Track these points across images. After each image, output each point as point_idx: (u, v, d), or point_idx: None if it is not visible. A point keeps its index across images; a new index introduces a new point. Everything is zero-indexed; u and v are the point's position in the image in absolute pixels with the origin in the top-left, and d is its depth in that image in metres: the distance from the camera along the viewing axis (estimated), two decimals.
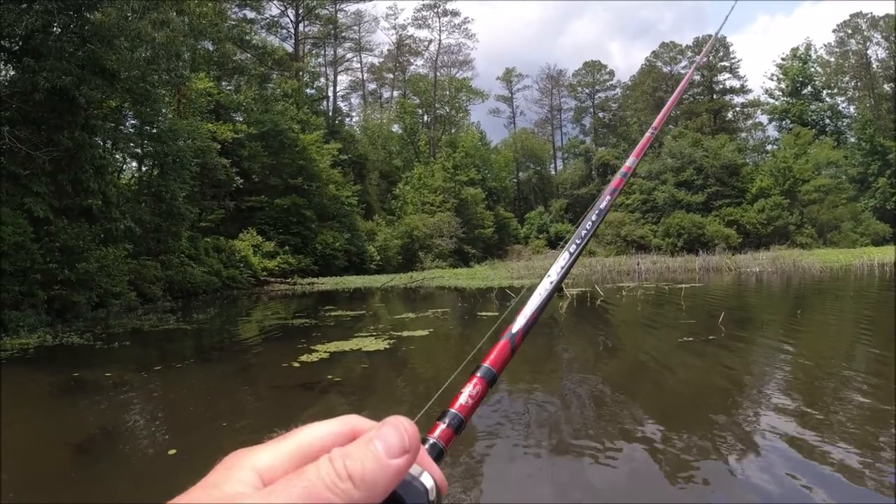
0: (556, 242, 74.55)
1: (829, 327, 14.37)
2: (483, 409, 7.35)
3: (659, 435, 6.11)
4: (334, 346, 11.80)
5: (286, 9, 61.98)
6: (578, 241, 0.75)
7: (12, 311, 15.50)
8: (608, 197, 0.84)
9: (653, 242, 64.63)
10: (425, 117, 77.15)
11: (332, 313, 18.97)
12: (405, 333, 13.66)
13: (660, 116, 1.24)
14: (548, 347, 12.43)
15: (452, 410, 0.56)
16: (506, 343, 0.63)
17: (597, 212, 0.80)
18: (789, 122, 76.92)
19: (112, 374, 10.07)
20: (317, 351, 11.28)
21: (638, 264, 41.77)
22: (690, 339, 11.74)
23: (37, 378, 10.54)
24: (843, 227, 61.87)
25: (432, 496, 0.47)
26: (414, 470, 0.47)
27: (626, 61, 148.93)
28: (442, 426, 0.56)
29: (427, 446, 0.54)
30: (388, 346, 11.84)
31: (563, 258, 0.71)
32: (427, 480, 0.48)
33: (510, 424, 6.70)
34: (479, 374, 0.59)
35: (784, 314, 16.99)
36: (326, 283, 36.87)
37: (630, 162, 0.96)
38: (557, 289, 0.68)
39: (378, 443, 0.45)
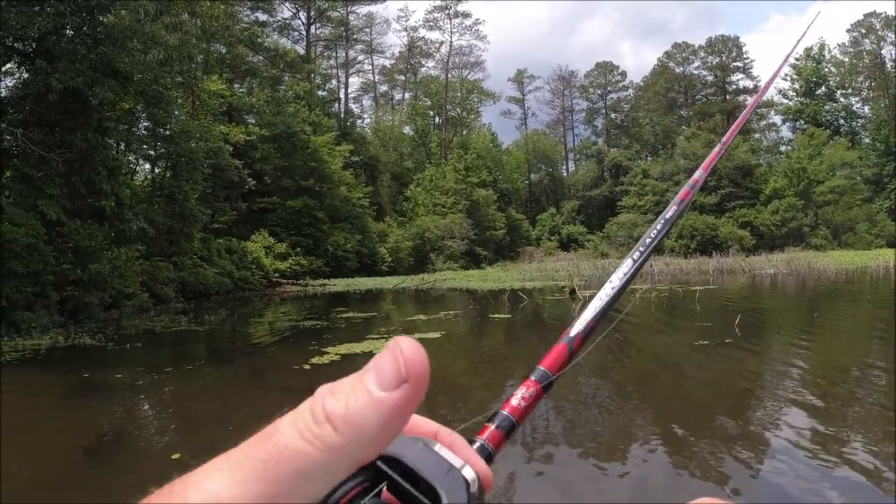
0: (568, 244, 74.43)
1: (847, 330, 14.16)
2: (490, 406, 7.22)
3: (674, 438, 5.99)
4: (346, 349, 11.73)
5: (298, 11, 62.16)
6: (642, 249, 0.73)
7: (25, 312, 15.54)
8: (674, 207, 0.82)
9: (665, 244, 64.22)
10: (437, 119, 77.09)
11: (344, 315, 18.91)
12: (416, 336, 13.54)
13: (731, 129, 1.16)
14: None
15: (504, 412, 0.54)
16: (563, 346, 0.60)
17: (662, 221, 0.78)
18: (803, 122, 76.27)
19: (123, 376, 10.04)
20: (328, 353, 11.21)
21: (651, 266, 41.47)
22: (706, 342, 11.58)
23: (48, 379, 10.53)
24: (858, 228, 61.28)
25: (473, 489, 0.41)
26: (455, 462, 0.41)
27: (637, 61, 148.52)
28: (491, 427, 0.53)
29: (476, 447, 0.51)
30: None
31: (625, 265, 0.70)
32: (468, 473, 0.42)
33: (521, 426, 6.58)
34: (533, 377, 0.56)
35: (800, 317, 16.79)
36: (338, 284, 36.86)
37: (698, 174, 0.92)
38: (620, 295, 0.66)
39: (371, 374, 0.36)
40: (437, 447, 0.42)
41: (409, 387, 0.36)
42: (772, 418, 6.65)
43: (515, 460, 5.62)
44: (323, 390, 0.36)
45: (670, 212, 0.80)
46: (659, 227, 0.76)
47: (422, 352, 0.38)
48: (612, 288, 0.67)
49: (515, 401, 0.54)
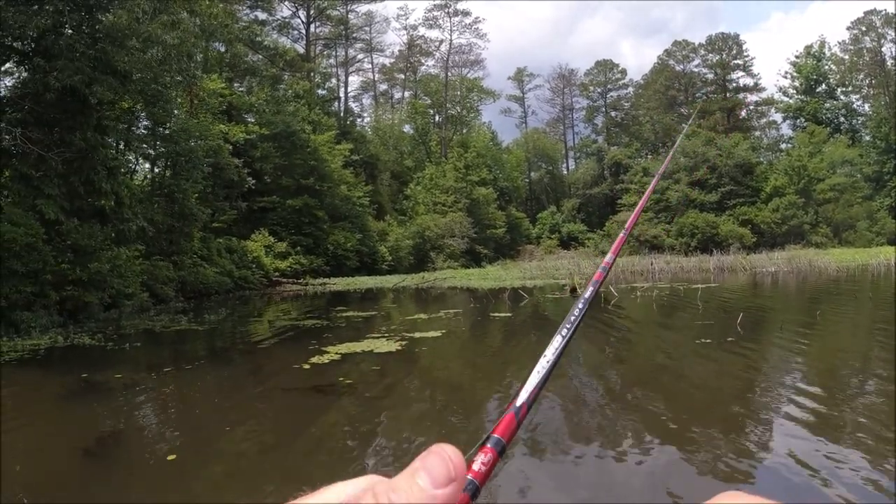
0: (568, 242, 74.43)
1: (849, 329, 14.12)
2: (491, 404, 7.20)
3: (677, 437, 5.95)
4: (346, 348, 11.68)
5: (297, 10, 62.08)
6: (569, 326, 0.80)
7: (24, 312, 15.50)
8: (591, 288, 0.89)
9: (666, 242, 64.20)
10: (437, 117, 77.00)
11: (344, 314, 18.87)
12: (417, 335, 13.53)
13: (633, 215, 1.34)
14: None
15: (468, 476, 0.57)
16: (511, 416, 0.66)
17: (583, 300, 0.85)
18: (803, 120, 76.12)
19: (122, 376, 10.00)
20: (328, 352, 11.17)
21: (651, 264, 41.41)
22: (708, 340, 11.54)
23: (47, 379, 10.50)
24: (859, 226, 61.21)
25: None
26: None
27: (637, 60, 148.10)
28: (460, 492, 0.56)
29: None
30: (400, 348, 11.71)
31: (556, 341, 0.77)
32: None
33: (524, 425, 6.55)
34: (489, 444, 0.62)
35: (802, 315, 16.74)
36: (338, 283, 36.83)
37: (609, 258, 1.04)
38: (553, 368, 0.72)
39: (423, 473, 0.44)
40: None
41: (457, 484, 0.44)
42: (776, 417, 6.61)
43: (517, 459, 5.57)
44: (383, 487, 0.43)
45: (588, 292, 0.87)
46: (581, 305, 0.83)
47: (461, 456, 0.47)
48: (548, 361, 0.74)
49: (476, 466, 0.58)
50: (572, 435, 6.41)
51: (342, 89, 70.78)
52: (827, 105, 77.47)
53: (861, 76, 75.84)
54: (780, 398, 7.37)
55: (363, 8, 69.26)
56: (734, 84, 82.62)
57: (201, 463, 5.95)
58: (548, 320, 17.28)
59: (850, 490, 4.55)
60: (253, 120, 41.52)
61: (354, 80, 78.85)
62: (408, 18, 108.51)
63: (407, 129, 74.64)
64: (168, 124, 27.01)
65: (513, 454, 5.70)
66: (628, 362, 10.90)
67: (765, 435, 6.01)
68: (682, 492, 4.82)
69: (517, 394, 0.69)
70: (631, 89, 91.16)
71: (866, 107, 76.05)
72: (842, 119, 77.52)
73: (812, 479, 4.82)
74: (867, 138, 72.33)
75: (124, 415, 7.84)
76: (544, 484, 5.17)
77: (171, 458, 5.81)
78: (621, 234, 1.16)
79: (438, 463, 0.45)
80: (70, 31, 17.53)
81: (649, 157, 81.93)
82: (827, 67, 78.44)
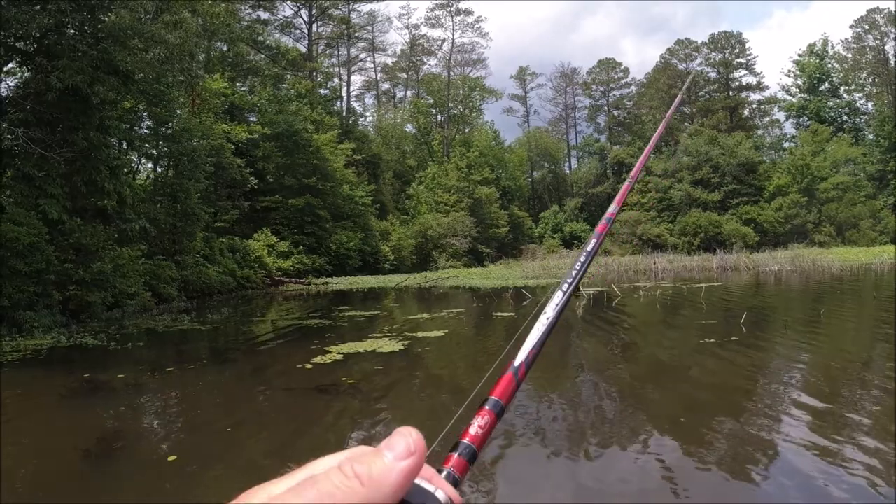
0: (570, 242, 74.35)
1: (853, 328, 14.06)
2: None
3: (682, 437, 5.91)
4: (348, 348, 11.66)
5: (299, 9, 62.00)
6: (570, 281, 0.79)
7: (27, 312, 15.49)
8: (594, 240, 0.90)
9: (669, 241, 64.12)
10: (439, 117, 76.93)
11: (347, 313, 18.85)
12: (420, 334, 13.51)
13: (638, 165, 1.34)
14: (565, 349, 12.24)
15: (464, 441, 0.59)
16: (510, 376, 0.66)
17: (585, 253, 0.85)
18: (806, 119, 75.89)
19: (124, 376, 9.98)
20: (331, 352, 11.15)
21: (654, 263, 41.37)
22: (712, 339, 11.50)
23: (49, 379, 10.48)
24: (862, 225, 61.03)
25: None
26: (428, 486, 0.50)
27: (639, 58, 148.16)
28: (455, 456, 0.58)
29: (442, 475, 0.56)
30: (402, 348, 11.68)
31: (557, 296, 0.75)
32: (441, 495, 0.50)
33: (527, 424, 6.54)
34: (487, 406, 0.62)
35: (806, 314, 16.68)
36: (341, 282, 36.82)
37: (612, 208, 1.06)
38: (554, 325, 0.72)
39: (386, 450, 0.49)
40: (417, 480, 0.49)
41: (416, 457, 0.48)
42: (781, 417, 6.57)
43: (520, 458, 5.55)
44: (346, 459, 0.48)
45: (590, 244, 0.88)
46: (583, 258, 0.83)
47: (421, 436, 0.50)
48: (547, 319, 0.73)
49: (473, 430, 0.59)
50: (576, 433, 6.37)
51: (344, 89, 70.86)
52: (830, 103, 77.19)
53: (864, 75, 75.58)
54: (785, 398, 7.33)
55: (365, 7, 69.25)
56: (737, 83, 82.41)
57: (203, 464, 5.93)
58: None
59: (853, 490, 4.52)
60: (255, 119, 41.53)
61: (357, 80, 79.04)
62: (410, 17, 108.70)
63: (409, 128, 74.62)
64: (171, 124, 27.01)
65: (515, 453, 5.67)
66: (632, 361, 10.86)
67: (770, 435, 5.97)
68: (686, 491, 4.79)
69: (515, 354, 0.67)
70: (633, 88, 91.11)
71: (869, 105, 75.79)
72: (845, 118, 77.23)
73: (816, 479, 4.78)
74: (870, 137, 72.11)
75: (126, 415, 7.82)
76: (547, 482, 5.14)
77: (172, 458, 5.79)
78: (626, 184, 1.18)
79: (399, 440, 0.49)
80: (72, 30, 17.52)
81: (652, 156, 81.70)
82: (830, 66, 78.18)
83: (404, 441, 0.49)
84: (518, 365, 0.67)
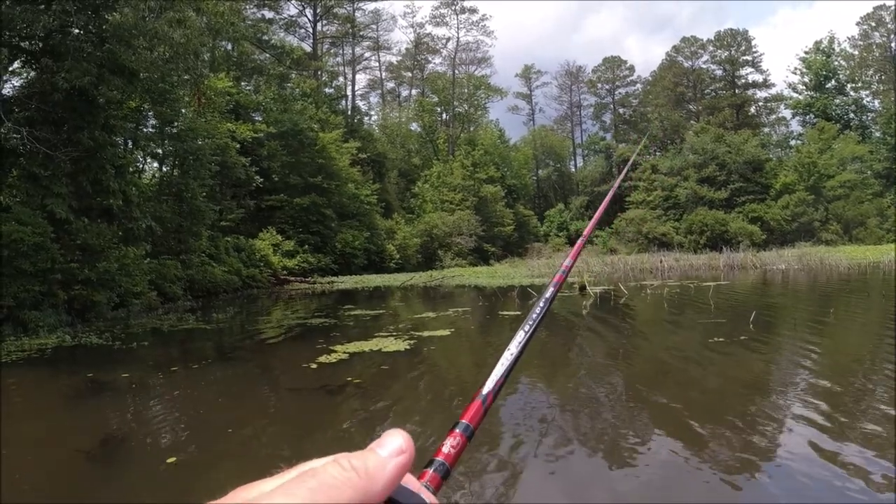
0: (576, 240, 73.77)
1: (864, 327, 13.94)
2: (503, 406, 7.11)
3: (688, 436, 5.83)
4: (354, 347, 11.60)
5: (304, 8, 62.01)
6: (531, 323, 0.84)
7: (32, 312, 15.48)
8: (552, 288, 0.93)
9: (675, 240, 63.95)
10: (444, 115, 76.85)
11: (352, 312, 18.80)
12: (426, 333, 13.44)
13: (591, 224, 1.41)
14: (571, 347, 12.16)
15: (438, 459, 0.62)
16: (479, 403, 0.71)
17: (543, 300, 0.90)
18: (813, 116, 75.52)
19: (129, 375, 9.94)
20: (336, 351, 11.09)
21: (661, 262, 41.20)
22: (721, 339, 11.40)
23: (54, 379, 10.45)
24: (869, 223, 60.71)
25: None
26: (413, 489, 0.54)
27: (643, 56, 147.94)
28: (430, 472, 0.61)
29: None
30: (408, 347, 11.62)
31: (519, 336, 0.81)
32: (427, 497, 0.54)
33: (530, 423, 6.47)
34: (458, 430, 0.66)
35: (815, 313, 16.55)
36: (346, 281, 36.80)
37: (567, 262, 1.08)
38: (517, 360, 0.78)
39: (380, 448, 0.52)
40: (403, 482, 0.53)
41: (407, 455, 0.52)
42: (791, 418, 6.47)
43: (523, 456, 5.48)
44: (343, 455, 0.51)
45: (548, 292, 0.91)
46: (542, 304, 0.88)
47: (410, 438, 0.54)
48: (511, 355, 0.79)
49: (446, 448, 0.63)
50: (578, 432, 6.29)
51: (349, 87, 70.81)
52: (836, 101, 76.79)
53: (871, 72, 75.13)
54: (796, 398, 7.24)
55: (370, 6, 69.33)
56: (743, 80, 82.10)
57: (207, 464, 5.87)
58: (557, 318, 17.13)
59: (857, 491, 4.44)
60: (260, 118, 41.53)
61: (361, 79, 78.98)
62: (415, 16, 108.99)
63: (414, 127, 74.61)
64: (176, 123, 27.01)
65: (518, 452, 5.60)
66: (639, 361, 10.77)
67: (778, 435, 5.88)
68: (689, 491, 4.71)
69: (483, 383, 0.74)
70: (639, 86, 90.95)
71: (876, 103, 75.37)
72: (852, 115, 76.83)
73: (820, 479, 4.71)
74: (877, 134, 71.72)
75: (130, 415, 7.77)
76: (546, 481, 5.07)
77: (175, 459, 5.73)
78: (579, 241, 1.20)
79: (391, 439, 0.53)
80: (77, 30, 17.50)
81: (658, 153, 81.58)
82: (836, 63, 77.77)
83: (395, 440, 0.53)
84: (486, 393, 0.72)
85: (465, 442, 0.65)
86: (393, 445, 0.52)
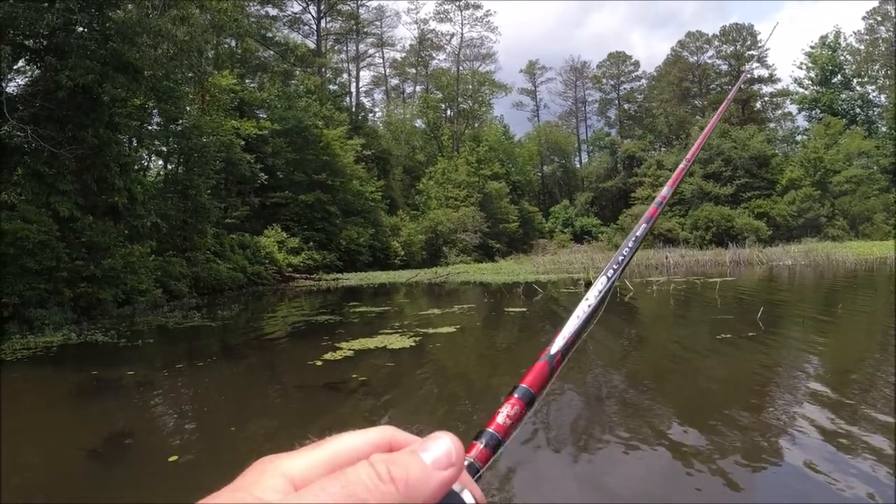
0: (581, 237, 74.16)
1: (872, 323, 13.85)
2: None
3: (696, 434, 5.78)
4: (359, 344, 11.56)
5: (308, 5, 61.99)
6: (616, 267, 0.75)
7: (38, 310, 15.49)
8: (644, 224, 0.86)
9: (680, 236, 63.75)
10: (448, 112, 76.78)
11: (357, 309, 18.77)
12: (431, 330, 13.40)
13: (695, 147, 1.20)
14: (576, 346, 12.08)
15: (489, 430, 0.56)
16: (544, 364, 0.62)
17: (633, 239, 0.81)
18: (819, 111, 75.20)
19: (134, 373, 9.94)
20: (341, 349, 11.06)
21: (666, 258, 41.08)
22: (728, 335, 11.34)
23: (59, 377, 10.45)
24: (876, 218, 60.39)
25: None
26: (455, 487, 0.47)
27: (648, 51, 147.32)
28: (479, 446, 0.55)
29: (465, 465, 0.53)
30: (414, 344, 11.58)
31: (600, 282, 0.72)
32: (468, 497, 0.47)
33: (534, 421, 6.42)
34: (516, 395, 0.59)
35: (823, 309, 16.47)
36: (351, 278, 36.79)
37: (665, 191, 0.98)
38: (596, 312, 0.69)
39: (425, 454, 0.45)
40: None
41: (455, 470, 0.45)
42: (799, 416, 6.42)
43: (525, 455, 5.44)
44: (382, 457, 0.44)
45: (640, 230, 0.84)
46: (630, 244, 0.79)
47: (462, 445, 0.47)
48: (589, 306, 0.69)
49: (501, 419, 0.56)
50: (584, 429, 6.25)
51: (353, 84, 70.81)
52: (843, 96, 76.41)
53: (877, 67, 74.72)
54: (803, 396, 7.18)
55: (374, 3, 69.53)
56: (749, 75, 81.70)
57: (211, 463, 5.84)
58: (562, 316, 17.08)
59: (858, 491, 4.39)
60: (264, 115, 41.51)
61: (366, 75, 78.90)
62: (418, 12, 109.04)
63: (419, 123, 74.51)
64: (180, 120, 27.02)
65: (519, 450, 5.55)
66: (646, 357, 10.72)
67: (783, 434, 5.83)
68: (694, 491, 4.66)
69: (552, 340, 0.65)
70: (644, 81, 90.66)
71: (882, 98, 74.94)
72: (858, 110, 76.42)
73: (823, 479, 4.66)
74: (884, 129, 71.32)
75: (134, 413, 7.75)
76: (552, 477, 5.02)
77: (179, 458, 5.70)
78: (681, 166, 1.09)
79: (440, 446, 0.46)
80: (81, 28, 17.49)
81: (663, 149, 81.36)
82: (842, 58, 77.36)
83: (445, 448, 0.46)
84: (554, 353, 0.64)
85: (524, 410, 0.58)
86: (439, 453, 0.45)
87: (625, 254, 0.78)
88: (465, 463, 0.52)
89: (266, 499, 0.41)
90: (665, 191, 0.99)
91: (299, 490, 0.42)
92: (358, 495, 0.40)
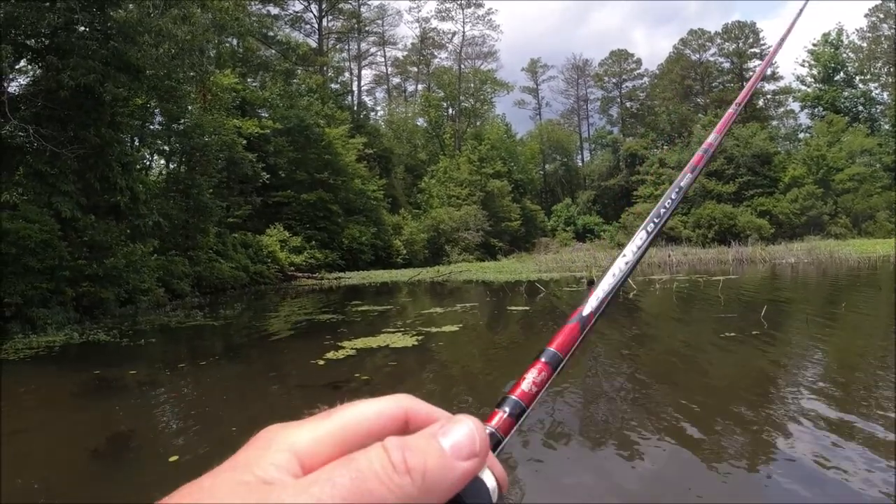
0: (583, 235, 74.13)
1: (877, 321, 13.80)
2: None
3: (703, 432, 5.74)
4: (361, 343, 11.53)
5: (309, 4, 62.00)
6: (657, 220, 0.70)
7: (40, 309, 15.48)
8: (689, 174, 0.78)
9: (683, 234, 63.68)
10: (450, 110, 76.77)
11: (359, 308, 18.75)
12: (433, 329, 13.37)
13: (745, 90, 1.08)
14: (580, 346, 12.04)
15: (513, 397, 0.52)
16: (575, 325, 0.58)
17: (676, 190, 0.75)
18: (822, 109, 75.08)
19: (136, 373, 9.92)
20: (343, 348, 11.03)
21: (669, 256, 41.05)
22: (732, 333, 11.30)
23: (61, 377, 10.43)
24: (878, 216, 60.27)
25: (494, 497, 0.42)
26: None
27: (650, 49, 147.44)
28: (501, 414, 0.51)
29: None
30: (416, 343, 11.55)
31: (639, 237, 0.67)
32: (489, 480, 0.42)
33: (534, 418, 6.39)
34: (543, 359, 0.55)
35: (827, 307, 16.41)
36: (353, 277, 36.77)
37: (712, 138, 0.87)
38: (633, 269, 0.64)
39: (444, 439, 0.40)
40: None
41: (479, 460, 0.40)
42: (804, 416, 6.38)
43: (528, 454, 5.40)
44: (396, 442, 0.39)
45: (685, 179, 0.78)
46: (674, 195, 0.74)
47: (486, 432, 0.43)
48: (626, 263, 0.64)
49: (526, 385, 0.53)
50: (585, 428, 6.22)
51: (355, 83, 70.93)
52: (845, 94, 76.25)
53: (879, 64, 74.58)
54: (812, 393, 7.14)
55: (375, 1, 69.39)
56: (751, 73, 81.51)
57: (212, 463, 5.78)
58: (565, 314, 17.05)
59: (860, 492, 4.36)
60: (266, 114, 41.51)
61: (367, 74, 78.97)
62: (420, 11, 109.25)
63: (420, 122, 74.50)
64: (182, 120, 27.02)
65: (521, 448, 5.52)
66: (649, 356, 10.68)
67: (787, 433, 5.79)
68: (695, 488, 4.63)
69: (585, 300, 0.61)
70: (646, 79, 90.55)
71: (885, 95, 74.76)
72: (860, 108, 76.25)
73: (826, 478, 4.63)
74: (886, 127, 71.16)
75: (136, 413, 7.73)
76: (552, 479, 4.99)
77: (180, 458, 5.67)
78: (730, 110, 0.97)
79: (463, 432, 0.41)
80: (82, 28, 17.48)
81: (665, 147, 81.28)
82: (845, 55, 77.23)
83: (468, 436, 0.41)
84: (587, 314, 0.59)
85: (551, 375, 0.55)
86: (461, 439, 0.41)
87: (666, 206, 0.72)
88: (486, 432, 0.47)
89: (268, 477, 0.38)
90: (712, 137, 0.88)
91: (306, 469, 0.38)
92: (369, 489, 0.36)
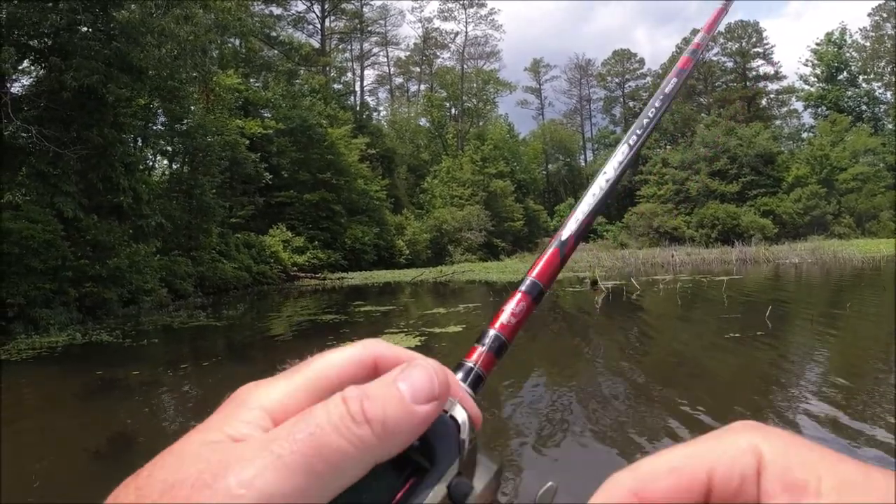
0: (586, 235, 73.81)
1: (882, 321, 13.74)
2: (511, 402, 7.00)
3: (703, 434, 5.70)
4: None
5: (312, 4, 62.07)
6: (639, 132, 0.64)
7: (43, 309, 15.48)
8: (674, 79, 0.71)
9: (686, 234, 63.53)
10: (453, 110, 76.66)
11: (362, 308, 18.73)
12: (437, 330, 13.34)
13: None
14: (583, 343, 12.04)
15: (492, 331, 0.50)
16: (555, 252, 0.55)
17: (661, 97, 0.68)
18: (825, 108, 74.82)
19: (139, 373, 9.91)
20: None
21: (672, 256, 40.97)
22: (737, 334, 11.25)
23: (63, 377, 10.42)
24: (882, 216, 60.03)
25: (465, 433, 0.40)
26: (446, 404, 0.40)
27: (652, 48, 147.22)
28: (481, 349, 0.50)
29: (463, 372, 0.49)
30: (419, 344, 11.53)
31: (620, 152, 0.62)
32: (460, 414, 0.41)
33: (538, 419, 6.37)
34: (522, 289, 0.52)
35: (831, 307, 16.35)
36: (356, 277, 36.75)
37: (700, 38, 0.80)
38: (615, 188, 0.59)
39: (402, 384, 0.39)
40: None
41: (438, 403, 0.39)
42: (813, 415, 6.34)
43: (528, 454, 5.38)
44: (355, 392, 0.37)
45: (669, 86, 0.71)
46: (657, 104, 0.68)
47: (447, 372, 0.41)
48: (607, 180, 0.60)
49: (505, 317, 0.51)
50: (588, 429, 6.19)
51: (358, 83, 70.98)
52: (849, 93, 76.01)
53: (883, 63, 74.35)
54: (816, 395, 7.10)
55: (378, 1, 69.34)
56: (754, 72, 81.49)
57: None
58: (568, 313, 17.02)
59: None
60: (269, 115, 41.51)
61: (370, 74, 79.01)
62: (422, 11, 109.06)
63: (423, 122, 74.40)
64: (185, 120, 27.03)
65: (524, 448, 5.49)
66: (652, 357, 10.64)
67: (799, 431, 5.76)
68: None
69: (563, 224, 0.57)
70: (649, 79, 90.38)
71: (888, 94, 74.54)
72: (864, 107, 76.01)
73: None
74: (890, 126, 70.86)
75: (139, 414, 7.72)
76: (554, 478, 4.95)
77: None
78: (719, 6, 0.91)
79: (421, 375, 0.39)
80: (85, 28, 17.48)
81: (668, 147, 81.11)
82: (848, 55, 76.98)
83: (427, 378, 0.39)
84: (566, 238, 0.56)
85: (533, 306, 0.52)
86: (419, 383, 0.38)
87: (650, 115, 0.66)
88: (463, 370, 0.49)
89: (237, 434, 0.37)
90: (700, 37, 0.80)
91: (278, 424, 0.37)
92: (328, 442, 0.35)
